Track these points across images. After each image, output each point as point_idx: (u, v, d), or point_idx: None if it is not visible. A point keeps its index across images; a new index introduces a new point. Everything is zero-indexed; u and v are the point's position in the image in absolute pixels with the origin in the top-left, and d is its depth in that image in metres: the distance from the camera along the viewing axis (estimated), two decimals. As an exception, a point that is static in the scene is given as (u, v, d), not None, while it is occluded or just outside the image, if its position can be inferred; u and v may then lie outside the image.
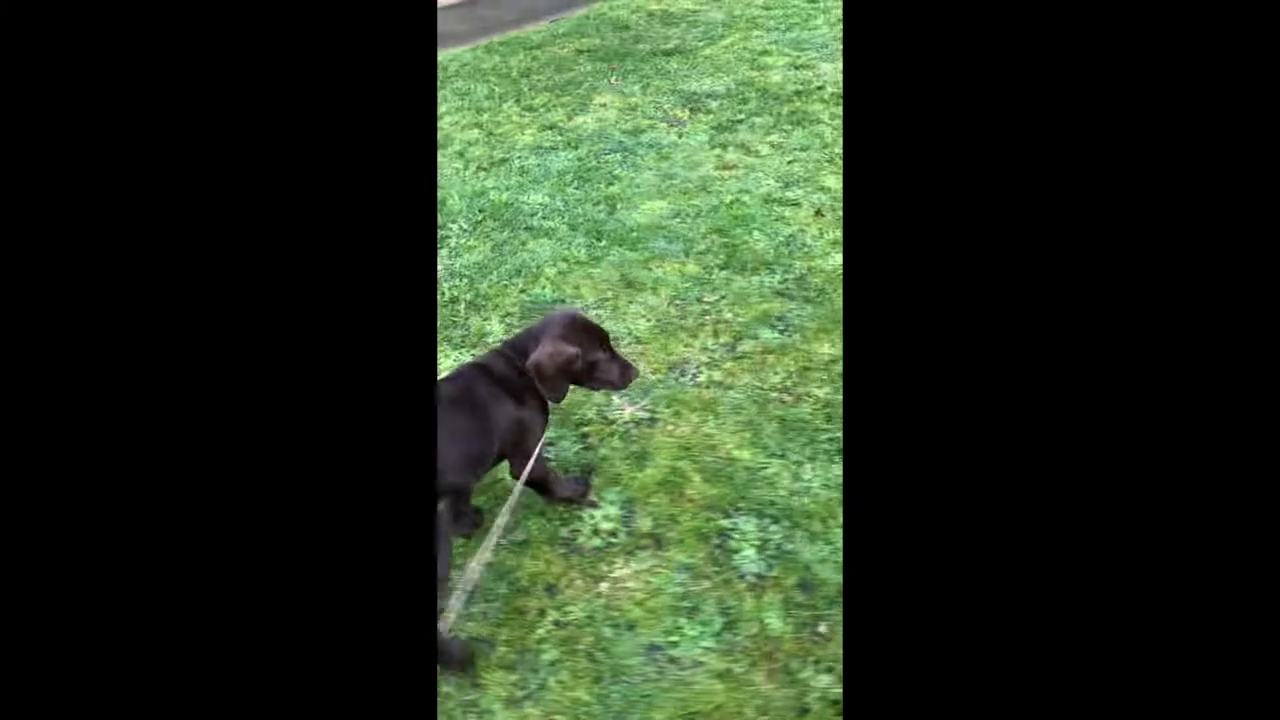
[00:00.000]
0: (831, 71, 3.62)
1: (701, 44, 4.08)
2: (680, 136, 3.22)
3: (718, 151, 3.08)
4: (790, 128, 3.20)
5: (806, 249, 2.47)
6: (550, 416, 1.57)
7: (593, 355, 1.51)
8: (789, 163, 2.95)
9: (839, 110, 3.28)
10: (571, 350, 1.47)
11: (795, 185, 2.81)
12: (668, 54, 4.00)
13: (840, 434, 1.83)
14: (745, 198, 2.76)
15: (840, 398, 1.93)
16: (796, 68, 3.68)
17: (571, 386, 1.54)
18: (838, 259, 2.42)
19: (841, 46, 3.86)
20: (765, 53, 3.88)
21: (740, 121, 3.27)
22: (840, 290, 2.29)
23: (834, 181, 2.80)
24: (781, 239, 2.53)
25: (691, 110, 3.40)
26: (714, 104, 3.43)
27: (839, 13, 4.25)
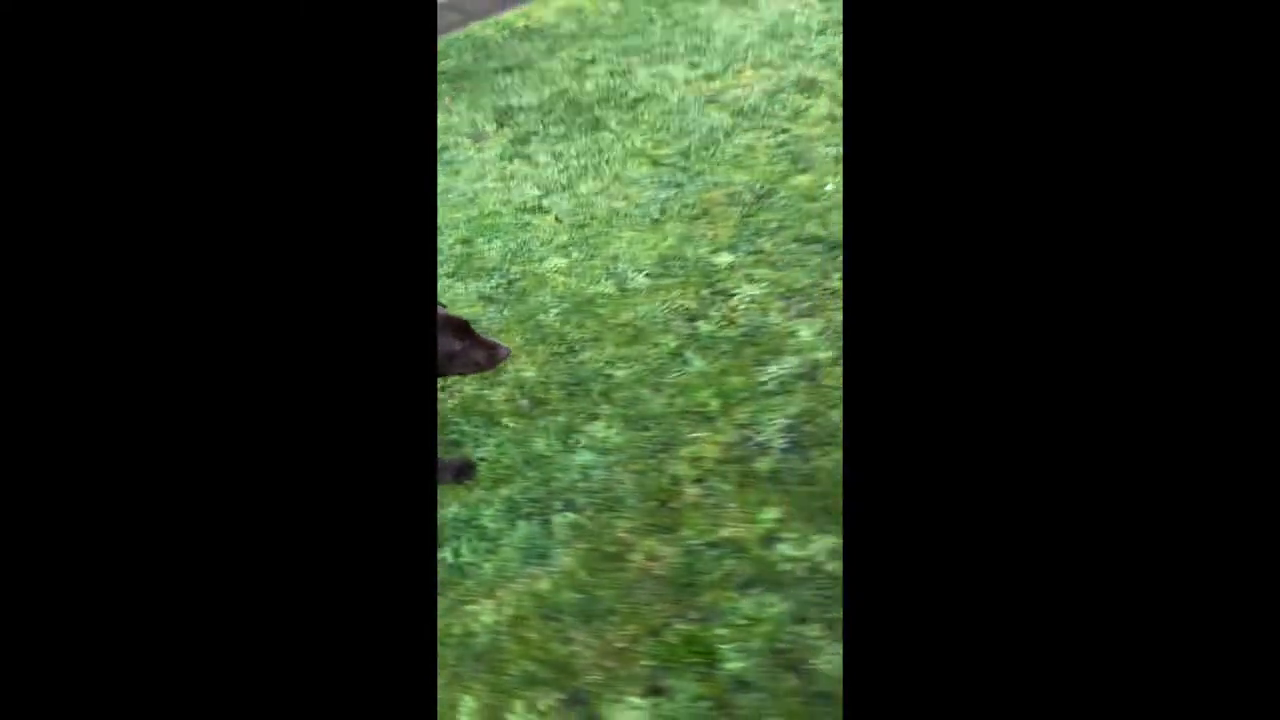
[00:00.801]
0: (644, 76, 3.76)
1: (542, 57, 4.27)
2: (479, 151, 3.42)
3: (504, 164, 3.27)
4: (578, 135, 3.36)
5: (529, 254, 2.65)
6: None
7: (446, 346, 1.56)
8: (560, 170, 3.13)
9: (627, 115, 3.43)
10: None
11: (554, 193, 2.99)
12: (508, 70, 4.20)
13: (464, 427, 2.02)
14: (504, 208, 2.95)
15: (480, 392, 2.12)
16: (612, 74, 3.84)
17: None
18: (554, 262, 2.59)
19: (668, 49, 4.00)
20: (592, 61, 4.04)
21: (536, 133, 3.46)
22: (540, 289, 2.46)
23: (587, 187, 2.97)
24: (514, 246, 2.71)
25: (500, 125, 3.60)
26: (522, 116, 3.62)
27: (678, 15, 4.37)
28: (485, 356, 1.62)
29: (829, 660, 1.34)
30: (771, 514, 1.61)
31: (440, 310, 1.62)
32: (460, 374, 1.65)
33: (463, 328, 1.59)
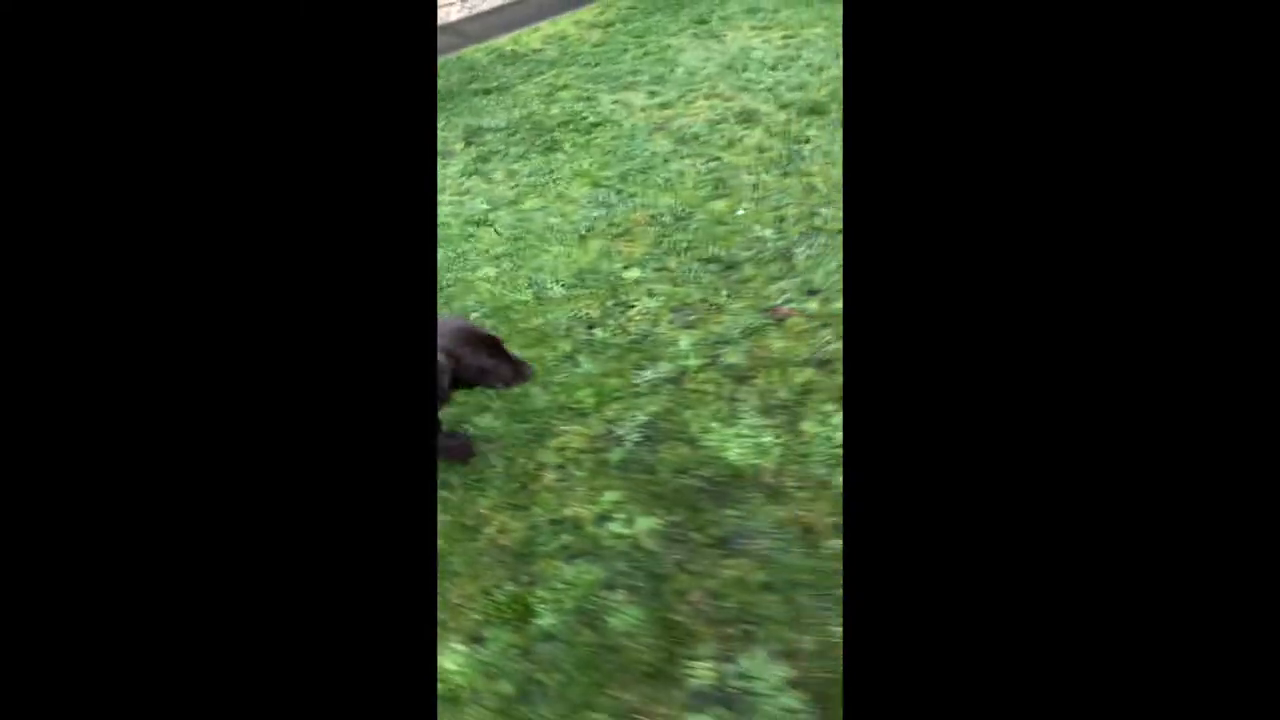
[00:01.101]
0: (606, 102, 4.02)
1: (519, 81, 4.55)
2: (444, 168, 3.70)
3: (463, 179, 3.54)
4: (534, 156, 3.62)
5: (465, 263, 2.90)
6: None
7: (478, 361, 1.66)
8: (510, 188, 3.39)
9: (582, 139, 3.69)
10: (445, 362, 1.61)
11: (501, 208, 3.24)
12: (487, 92, 4.49)
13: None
14: (453, 221, 3.21)
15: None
16: (578, 100, 4.10)
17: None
18: (485, 271, 2.84)
19: (634, 77, 4.26)
20: (564, 87, 4.31)
21: (498, 152, 3.72)
22: (467, 295, 2.71)
23: (530, 204, 3.22)
24: (454, 256, 2.96)
25: (467, 143, 3.87)
26: (490, 136, 3.89)
27: (651, 46, 4.64)
28: (511, 373, 1.71)
29: (623, 619, 1.54)
30: (611, 497, 1.82)
31: (465, 325, 1.72)
32: (489, 387, 1.76)
33: (495, 345, 1.69)
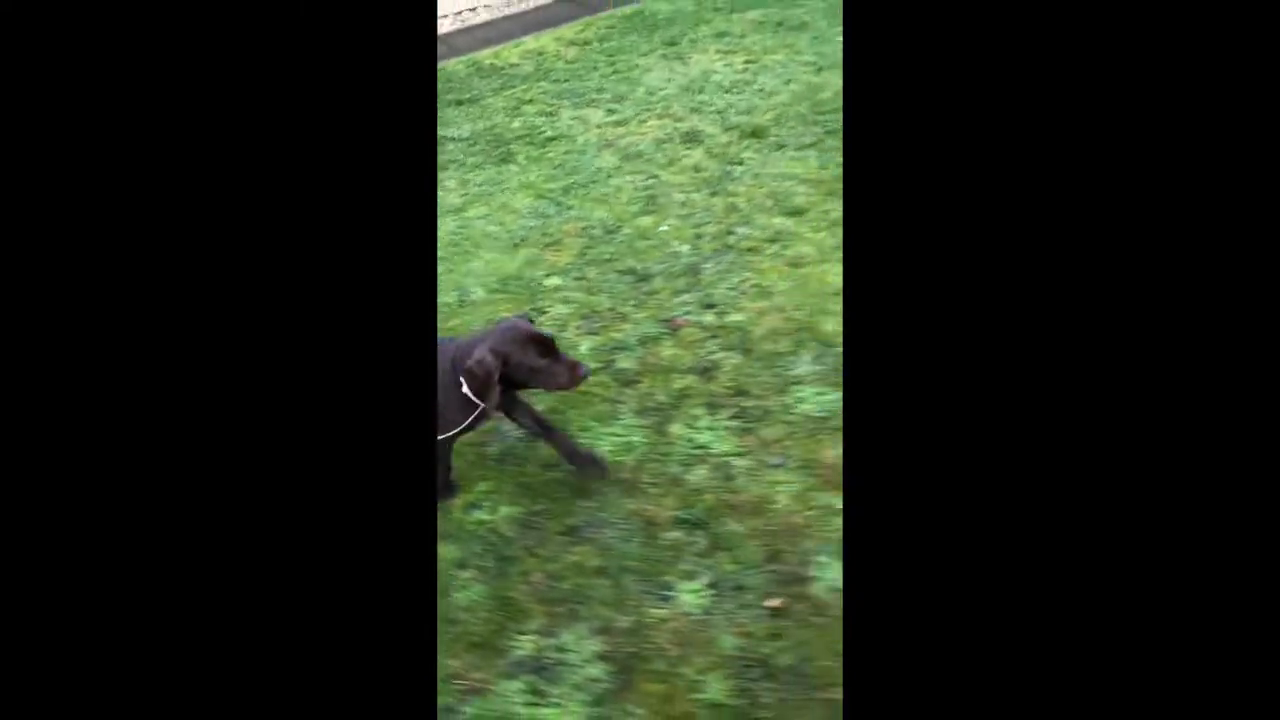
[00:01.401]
0: (566, 117, 4.18)
1: (490, 94, 4.73)
2: (404, 174, 3.87)
3: (419, 186, 3.70)
4: (489, 167, 3.79)
5: (403, 265, 3.06)
6: (480, 417, 1.75)
7: (532, 362, 1.63)
8: (460, 196, 3.55)
9: (536, 152, 3.85)
10: (492, 361, 1.60)
11: (446, 215, 3.40)
12: (459, 103, 4.67)
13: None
14: (402, 224, 3.37)
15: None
16: (540, 114, 4.27)
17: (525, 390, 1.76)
18: (421, 273, 3.00)
19: (597, 94, 4.42)
20: (530, 101, 4.48)
21: (457, 161, 3.89)
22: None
23: (475, 212, 3.38)
24: (395, 257, 3.12)
25: (430, 152, 4.04)
26: (451, 146, 4.07)
27: (620, 65, 4.81)
28: (566, 375, 1.67)
29: (466, 595, 1.68)
30: (484, 486, 1.96)
31: (522, 325, 1.69)
32: (542, 389, 1.72)
33: (548, 345, 1.66)
